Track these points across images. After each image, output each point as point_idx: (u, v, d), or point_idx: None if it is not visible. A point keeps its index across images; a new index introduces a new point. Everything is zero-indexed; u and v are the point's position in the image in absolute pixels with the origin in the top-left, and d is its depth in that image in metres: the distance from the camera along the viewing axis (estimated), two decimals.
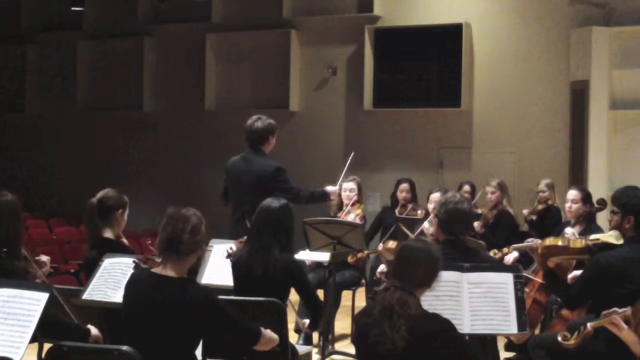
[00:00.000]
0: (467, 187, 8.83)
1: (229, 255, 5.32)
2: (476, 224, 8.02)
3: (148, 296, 3.84)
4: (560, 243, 5.35)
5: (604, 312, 4.43)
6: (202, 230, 3.95)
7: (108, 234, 5.13)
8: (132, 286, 3.97)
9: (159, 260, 4.00)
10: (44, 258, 4.82)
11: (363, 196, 8.36)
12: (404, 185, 8.73)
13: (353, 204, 7.69)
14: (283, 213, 5.12)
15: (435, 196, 7.69)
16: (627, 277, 4.65)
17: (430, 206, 7.67)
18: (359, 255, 6.77)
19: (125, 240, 5.28)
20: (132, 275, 4.11)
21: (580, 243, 5.27)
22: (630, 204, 4.86)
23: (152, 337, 3.79)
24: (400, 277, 3.68)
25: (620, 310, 4.39)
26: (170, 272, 3.86)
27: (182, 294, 3.80)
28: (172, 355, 3.83)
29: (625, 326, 4.33)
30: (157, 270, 3.92)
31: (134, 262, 4.51)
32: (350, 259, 7.28)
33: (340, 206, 7.75)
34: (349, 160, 7.35)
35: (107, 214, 5.15)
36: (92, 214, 5.15)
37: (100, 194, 5.26)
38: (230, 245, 5.42)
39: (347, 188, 7.72)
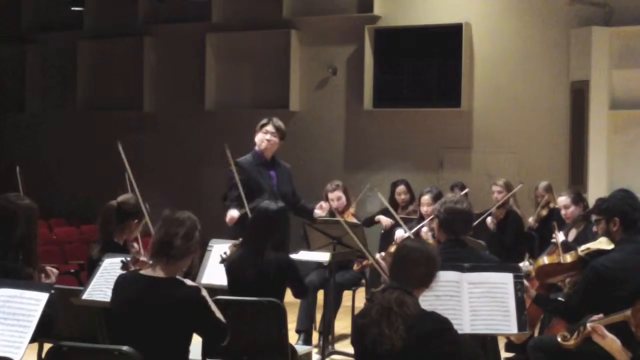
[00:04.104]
0: (457, 191, 8.80)
1: (222, 260, 5.29)
2: (489, 220, 8.03)
3: (136, 297, 3.82)
4: (552, 261, 5.35)
5: (594, 318, 4.42)
6: (196, 236, 3.91)
7: (118, 238, 5.11)
8: (120, 287, 3.94)
9: (150, 262, 3.98)
10: (54, 271, 4.70)
11: (362, 195, 8.35)
12: (401, 188, 8.67)
13: (343, 212, 7.56)
14: (278, 216, 5.14)
15: (426, 198, 7.61)
16: (624, 279, 4.65)
17: (423, 209, 7.58)
18: (364, 262, 6.76)
19: (136, 245, 5.23)
20: (120, 277, 4.06)
21: (571, 257, 5.26)
22: (611, 207, 4.87)
23: (142, 338, 3.77)
24: (398, 277, 3.68)
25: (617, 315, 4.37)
26: (159, 274, 3.85)
27: (169, 294, 3.78)
28: (163, 354, 3.81)
29: (609, 335, 4.31)
30: (146, 272, 3.91)
31: (121, 261, 4.47)
32: (355, 267, 7.28)
33: (332, 214, 7.62)
34: (364, 191, 7.35)
35: (122, 219, 5.11)
36: (109, 216, 5.12)
37: (120, 198, 5.22)
38: (224, 250, 5.40)
39: (334, 197, 7.63)
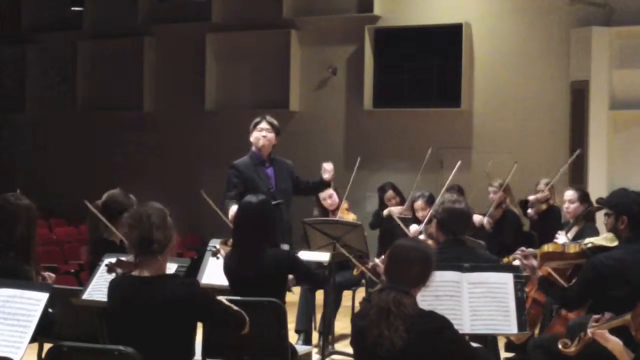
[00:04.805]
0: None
1: (214, 254, 5.28)
2: (485, 221, 8.01)
3: (133, 300, 3.78)
4: (555, 249, 5.39)
5: (595, 317, 4.42)
6: (169, 221, 3.84)
7: (114, 237, 5.08)
8: (113, 292, 3.90)
9: (133, 260, 3.92)
10: (52, 275, 4.65)
11: (363, 196, 8.35)
12: (390, 193, 8.61)
13: (338, 209, 7.55)
14: (263, 207, 5.09)
15: (420, 204, 7.61)
16: (624, 279, 4.64)
17: (419, 214, 7.58)
18: (360, 269, 6.74)
19: None
20: (112, 282, 4.00)
21: (575, 248, 5.31)
22: (621, 204, 4.89)
23: (143, 341, 3.74)
24: (394, 278, 3.66)
25: (618, 318, 4.37)
26: (151, 272, 3.81)
27: (166, 291, 3.75)
28: (165, 354, 3.80)
29: (611, 337, 4.31)
30: (136, 272, 3.86)
31: (106, 265, 4.44)
32: (355, 272, 7.27)
33: (325, 214, 7.65)
34: (356, 167, 7.32)
35: (112, 216, 5.07)
36: (95, 216, 5.09)
37: (105, 196, 5.18)
38: (214, 244, 5.38)
39: (325, 196, 7.62)
